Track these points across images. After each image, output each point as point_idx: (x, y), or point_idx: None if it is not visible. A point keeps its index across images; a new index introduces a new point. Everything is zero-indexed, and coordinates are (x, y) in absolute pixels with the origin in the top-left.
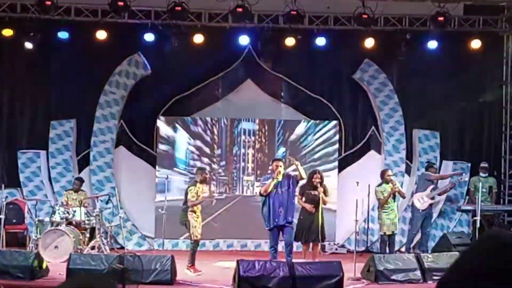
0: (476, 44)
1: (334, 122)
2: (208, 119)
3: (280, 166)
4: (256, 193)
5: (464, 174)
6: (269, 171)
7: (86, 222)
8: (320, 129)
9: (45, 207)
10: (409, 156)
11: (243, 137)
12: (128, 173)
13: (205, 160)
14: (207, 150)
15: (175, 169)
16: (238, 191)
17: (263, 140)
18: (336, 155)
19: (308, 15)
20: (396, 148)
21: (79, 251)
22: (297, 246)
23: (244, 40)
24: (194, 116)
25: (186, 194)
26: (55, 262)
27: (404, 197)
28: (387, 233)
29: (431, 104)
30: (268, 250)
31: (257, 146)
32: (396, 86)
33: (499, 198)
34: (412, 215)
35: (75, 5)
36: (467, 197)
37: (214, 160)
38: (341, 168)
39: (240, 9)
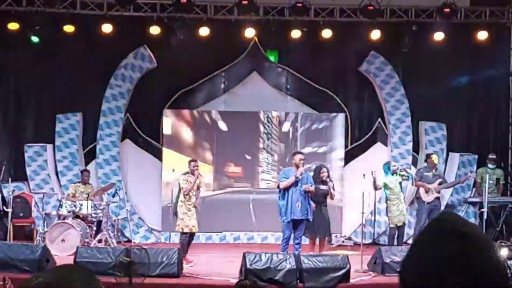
0: (482, 35)
1: (340, 115)
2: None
3: (303, 160)
4: (267, 185)
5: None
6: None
7: (93, 215)
8: (326, 121)
9: (52, 201)
10: (416, 148)
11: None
12: (134, 166)
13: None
14: (209, 143)
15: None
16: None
17: (268, 133)
18: (342, 147)
19: (313, 7)
20: (402, 140)
21: (86, 244)
22: (303, 239)
23: (249, 32)
24: (199, 109)
25: (179, 184)
26: (62, 255)
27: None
28: (398, 224)
29: (438, 95)
30: (275, 242)
31: (262, 138)
32: (402, 78)
33: (504, 189)
34: (418, 207)
35: None
36: (474, 189)
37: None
38: (347, 160)
39: (245, 2)
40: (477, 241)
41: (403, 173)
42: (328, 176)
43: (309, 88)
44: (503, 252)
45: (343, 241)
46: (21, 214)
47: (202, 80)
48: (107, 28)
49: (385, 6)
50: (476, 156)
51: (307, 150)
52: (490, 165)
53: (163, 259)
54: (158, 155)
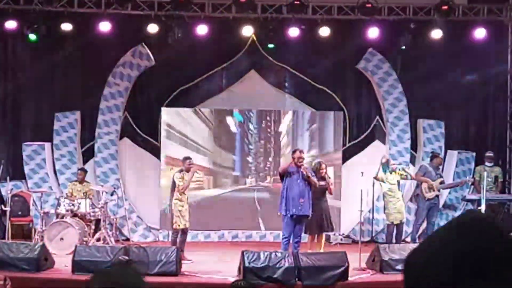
0: (480, 33)
1: (338, 113)
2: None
3: (302, 158)
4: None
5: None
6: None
7: (91, 214)
8: (324, 119)
9: (50, 199)
10: (414, 146)
11: (245, 127)
12: (132, 164)
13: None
14: (207, 141)
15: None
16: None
17: (267, 131)
18: (340, 145)
19: (311, 5)
20: (400, 138)
21: (84, 243)
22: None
23: (247, 30)
24: (198, 107)
25: (173, 181)
26: (61, 254)
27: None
28: (395, 222)
29: (436, 93)
30: (273, 241)
31: (262, 136)
32: (400, 76)
33: (503, 187)
34: (417, 205)
35: None
36: (472, 186)
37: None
38: (345, 158)
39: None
40: (498, 239)
41: (402, 172)
42: (326, 173)
43: (307, 86)
44: None
45: (341, 239)
46: (20, 213)
47: (200, 78)
48: (105, 26)
49: (383, 3)
50: (474, 154)
51: (305, 148)
52: (487, 163)
53: (162, 258)
54: (156, 153)
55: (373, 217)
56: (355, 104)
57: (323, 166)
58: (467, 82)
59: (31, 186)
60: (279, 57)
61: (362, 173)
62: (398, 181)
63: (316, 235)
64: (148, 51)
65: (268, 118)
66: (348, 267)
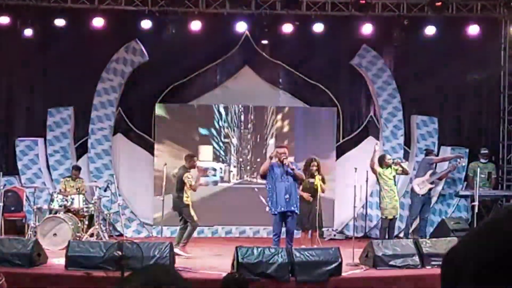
0: (474, 29)
1: (332, 109)
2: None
3: (284, 153)
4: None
5: (463, 158)
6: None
7: (85, 209)
8: (318, 115)
9: (43, 195)
10: (407, 142)
11: (239, 123)
12: (126, 160)
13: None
14: (200, 137)
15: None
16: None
17: (257, 126)
18: (334, 141)
19: (305, 1)
20: (394, 134)
21: (77, 238)
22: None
23: (241, 26)
24: (192, 103)
25: (182, 181)
26: (54, 250)
27: (408, 174)
28: (389, 217)
29: (429, 89)
30: (266, 236)
31: (252, 132)
32: (394, 72)
33: (495, 183)
34: (411, 200)
35: None
36: (465, 182)
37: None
38: (339, 154)
39: None
40: None
41: (397, 167)
42: (318, 170)
43: (301, 82)
44: None
45: (334, 235)
46: (13, 208)
47: (194, 74)
48: (98, 21)
49: (376, 0)
50: (468, 150)
51: (299, 144)
52: (482, 160)
53: (155, 253)
54: (150, 149)
55: (366, 213)
56: (349, 100)
57: (314, 163)
58: (460, 78)
59: (24, 181)
60: (273, 53)
61: (356, 169)
62: (394, 176)
63: (309, 232)
64: (142, 46)
65: (261, 114)
66: (341, 262)
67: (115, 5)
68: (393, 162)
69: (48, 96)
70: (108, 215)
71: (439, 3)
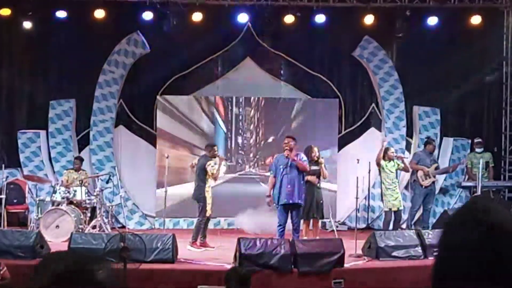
0: (476, 20)
1: (334, 100)
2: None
3: (286, 143)
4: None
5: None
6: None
7: (87, 201)
8: (320, 107)
9: (45, 187)
10: (410, 133)
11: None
12: (128, 152)
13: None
14: (203, 128)
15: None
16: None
17: (263, 118)
18: (336, 132)
19: None
20: (396, 125)
21: (80, 230)
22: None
23: (243, 17)
24: (193, 94)
25: (204, 170)
26: (57, 242)
27: (408, 171)
28: (393, 209)
29: (431, 80)
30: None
31: (257, 124)
32: (396, 63)
33: (498, 173)
34: (413, 192)
35: None
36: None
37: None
38: (341, 145)
39: None
40: (503, 232)
41: (399, 161)
42: (318, 156)
43: (302, 73)
44: None
45: (337, 226)
46: (15, 201)
47: (195, 65)
48: (99, 13)
49: None
50: (470, 141)
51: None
52: (477, 149)
53: (158, 245)
54: (152, 141)
55: (369, 204)
56: (350, 92)
57: (315, 149)
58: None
59: (27, 173)
60: (274, 44)
61: (358, 160)
62: (396, 170)
63: (310, 222)
64: (143, 38)
65: (262, 105)
66: (344, 253)
67: None
68: (395, 156)
69: (49, 88)
70: (110, 207)
71: None
